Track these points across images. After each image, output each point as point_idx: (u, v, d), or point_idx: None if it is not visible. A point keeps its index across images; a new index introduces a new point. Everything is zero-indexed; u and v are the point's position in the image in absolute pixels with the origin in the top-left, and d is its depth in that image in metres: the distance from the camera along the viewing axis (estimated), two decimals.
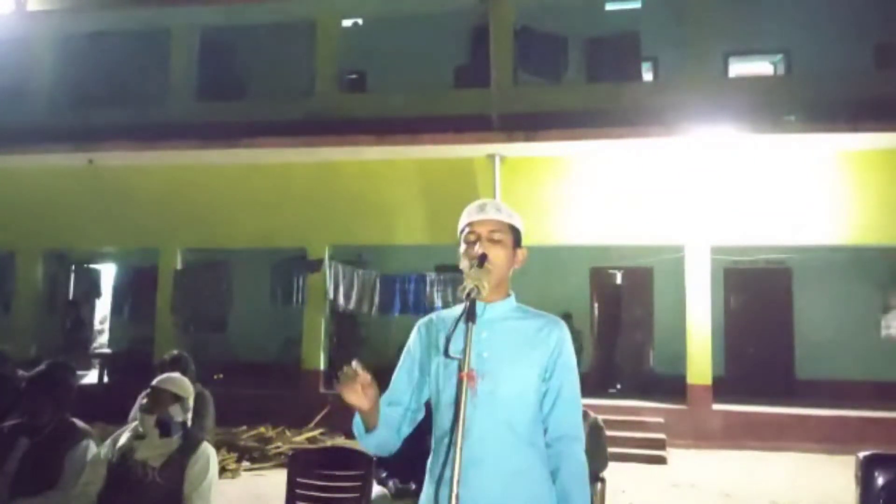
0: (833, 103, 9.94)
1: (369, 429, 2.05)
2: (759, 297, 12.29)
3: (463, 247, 2.12)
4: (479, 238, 2.09)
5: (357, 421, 2.06)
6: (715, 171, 10.40)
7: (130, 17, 13.32)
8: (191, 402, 3.37)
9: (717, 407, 10.12)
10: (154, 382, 3.37)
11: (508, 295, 2.16)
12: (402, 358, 2.21)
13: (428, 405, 2.17)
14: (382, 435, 2.08)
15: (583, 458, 2.07)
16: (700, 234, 10.39)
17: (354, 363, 1.93)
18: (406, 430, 2.16)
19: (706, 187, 10.39)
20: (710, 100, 10.39)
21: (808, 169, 10.20)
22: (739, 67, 13.40)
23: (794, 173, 10.23)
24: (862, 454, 3.64)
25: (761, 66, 13.63)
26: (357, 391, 1.92)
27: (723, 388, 10.51)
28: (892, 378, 10.44)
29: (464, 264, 2.09)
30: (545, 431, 2.06)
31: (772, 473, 8.57)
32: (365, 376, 1.93)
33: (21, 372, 4.88)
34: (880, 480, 3.47)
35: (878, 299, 11.29)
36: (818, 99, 10.14)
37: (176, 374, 3.62)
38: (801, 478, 8.32)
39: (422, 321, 2.23)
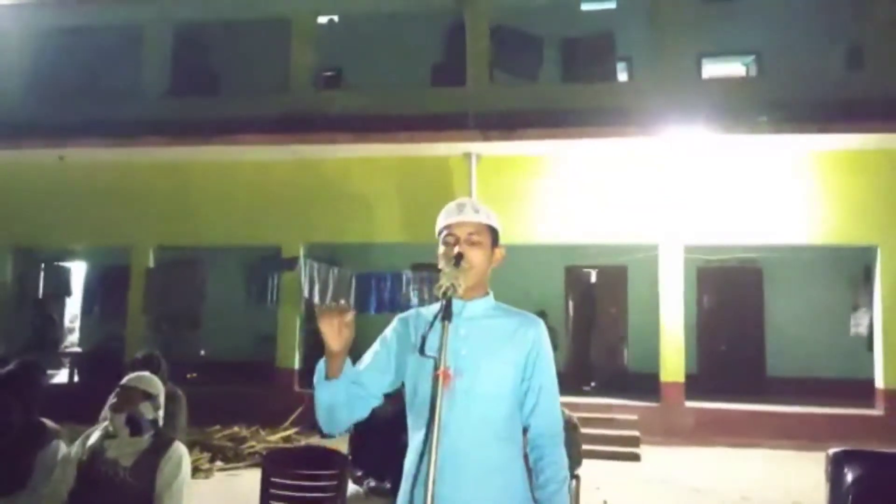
0: (804, 104, 10.06)
1: (330, 376, 1.99)
2: (731, 295, 12.45)
3: (441, 248, 2.13)
4: (457, 241, 2.10)
5: (320, 366, 2.00)
6: (688, 171, 10.52)
7: (102, 12, 13.10)
8: (161, 400, 3.32)
9: (689, 404, 10.23)
10: (123, 381, 3.32)
11: (487, 293, 2.17)
12: (376, 343, 2.20)
13: (402, 403, 2.16)
14: (339, 392, 2.00)
15: (564, 456, 2.10)
16: (673, 233, 10.49)
17: (342, 301, 1.92)
18: (359, 414, 2.10)
19: (680, 187, 10.51)
20: (684, 100, 10.46)
21: (779, 169, 10.35)
22: (712, 69, 13.51)
23: (766, 174, 10.38)
24: (831, 450, 3.68)
25: (733, 68, 13.76)
26: (334, 326, 1.90)
27: (695, 385, 10.60)
28: (861, 375, 10.60)
29: (442, 265, 2.09)
30: (527, 429, 2.09)
31: (743, 469, 8.68)
32: (348, 315, 1.92)
33: None
34: (849, 477, 3.51)
35: (847, 298, 11.48)
36: (789, 100, 10.25)
37: (145, 373, 3.56)
38: (771, 474, 8.44)
39: (403, 315, 2.23)
